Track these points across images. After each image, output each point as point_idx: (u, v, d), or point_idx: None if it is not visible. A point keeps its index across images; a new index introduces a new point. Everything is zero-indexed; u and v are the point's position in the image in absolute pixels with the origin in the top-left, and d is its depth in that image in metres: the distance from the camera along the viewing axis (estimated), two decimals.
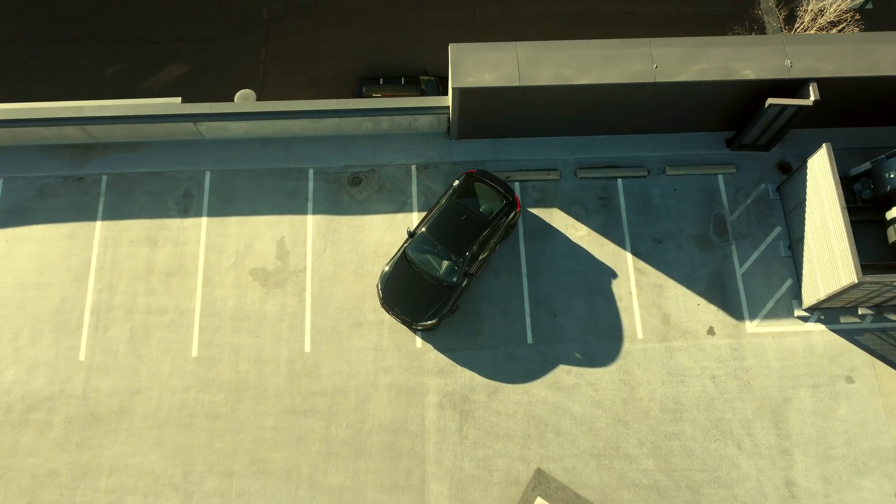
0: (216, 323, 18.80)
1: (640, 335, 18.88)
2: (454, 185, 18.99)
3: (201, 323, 18.79)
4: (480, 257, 18.48)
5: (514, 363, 18.54)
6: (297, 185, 20.22)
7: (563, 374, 18.48)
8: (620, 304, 19.16)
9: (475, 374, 18.41)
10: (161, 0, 26.72)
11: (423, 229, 18.52)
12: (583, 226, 19.96)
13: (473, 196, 18.78)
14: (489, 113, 19.46)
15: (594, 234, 19.88)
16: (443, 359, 18.54)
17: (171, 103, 19.69)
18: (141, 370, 18.34)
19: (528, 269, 19.49)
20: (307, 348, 18.60)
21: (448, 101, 19.80)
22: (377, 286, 18.50)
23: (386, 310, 18.47)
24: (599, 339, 18.80)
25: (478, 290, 19.24)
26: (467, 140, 20.73)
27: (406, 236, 19.09)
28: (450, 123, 20.27)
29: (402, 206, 20.04)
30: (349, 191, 20.24)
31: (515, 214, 19.04)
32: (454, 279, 18.18)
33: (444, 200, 18.78)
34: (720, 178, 20.54)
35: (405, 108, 19.73)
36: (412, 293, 18.21)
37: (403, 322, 18.32)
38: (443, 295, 18.12)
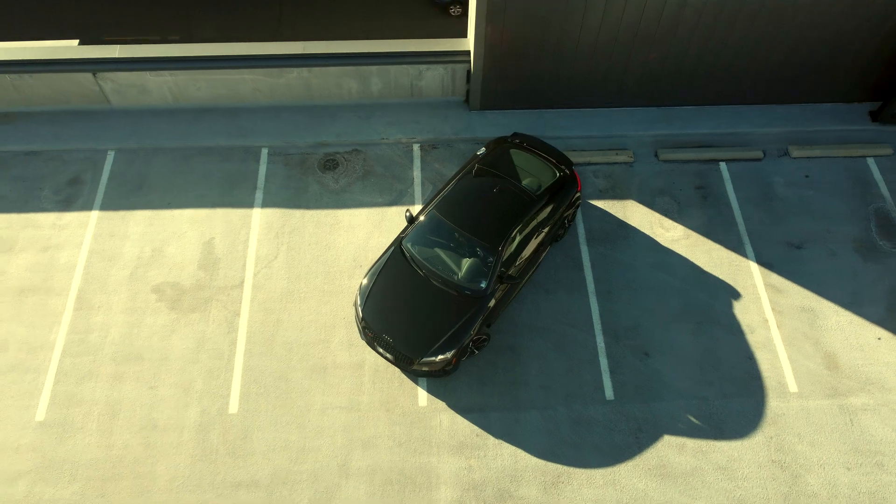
0: (86, 366, 11.32)
1: (792, 387, 11.29)
2: (479, 153, 12.29)
3: (61, 366, 11.31)
4: (524, 255, 11.36)
5: (587, 433, 10.83)
6: (243, 169, 13.50)
7: (673, 451, 10.70)
8: (752, 339, 11.73)
9: (519, 452, 10.65)
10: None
11: (432, 208, 11.55)
12: (676, 224, 12.97)
13: (510, 167, 11.99)
14: (529, 55, 13.12)
15: (694, 236, 12.84)
16: (464, 425, 10.88)
17: (63, 46, 13.44)
18: None
19: (598, 284, 12.27)
20: (233, 408, 10.99)
21: (468, 42, 13.55)
22: (355, 304, 11.23)
23: (369, 341, 11.08)
24: (726, 394, 11.20)
25: (518, 313, 11.91)
26: (496, 111, 14.27)
27: (405, 225, 12.11)
28: (469, 85, 13.90)
29: (399, 198, 13.19)
30: (319, 177, 13.47)
31: (576, 197, 12.15)
32: (482, 285, 10.94)
33: (464, 173, 11.99)
34: (871, 161, 13.81)
35: (404, 54, 13.44)
36: (411, 311, 10.89)
37: (397, 361, 10.86)
38: (462, 312, 10.79)
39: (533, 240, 11.48)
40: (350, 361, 11.42)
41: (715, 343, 11.68)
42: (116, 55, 13.16)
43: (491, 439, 10.74)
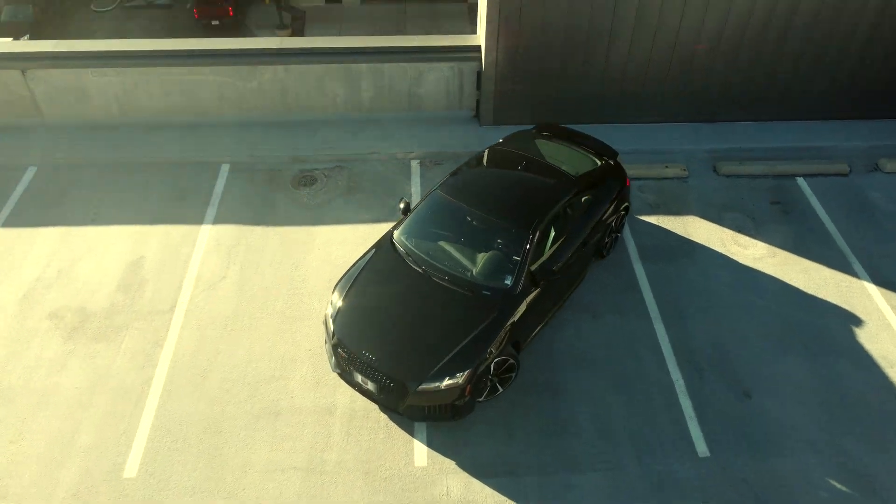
0: None
1: None
2: (496, 144, 9.53)
3: None
4: (562, 258, 8.14)
5: (678, 503, 6.98)
6: (196, 184, 10.67)
7: None
8: (894, 373, 8.18)
9: None
10: None
11: (436, 189, 8.55)
12: (755, 241, 9.88)
13: (537, 153, 9.18)
14: (553, 58, 10.81)
15: (782, 254, 9.69)
16: (484, 494, 7.04)
17: None
18: None
19: (662, 306, 8.93)
20: (131, 470, 7.22)
21: (479, 36, 11.31)
22: (325, 320, 7.84)
23: (343, 367, 7.54)
24: (876, 446, 7.46)
25: (557, 343, 8.46)
26: (513, 127, 11.69)
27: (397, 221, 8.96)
28: (480, 92, 11.47)
29: (391, 214, 10.22)
30: (292, 193, 10.60)
31: (623, 193, 9.19)
32: (507, 281, 7.64)
33: (475, 158, 9.15)
34: None
35: (401, 50, 11.14)
36: (405, 319, 7.50)
37: (383, 393, 7.26)
38: (479, 318, 7.38)
39: (573, 239, 8.34)
40: (315, 405, 7.80)
41: (841, 379, 8.11)
42: (50, 49, 10.87)
43: None
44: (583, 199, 8.57)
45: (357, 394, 7.78)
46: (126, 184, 10.63)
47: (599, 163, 9.17)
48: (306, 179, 10.82)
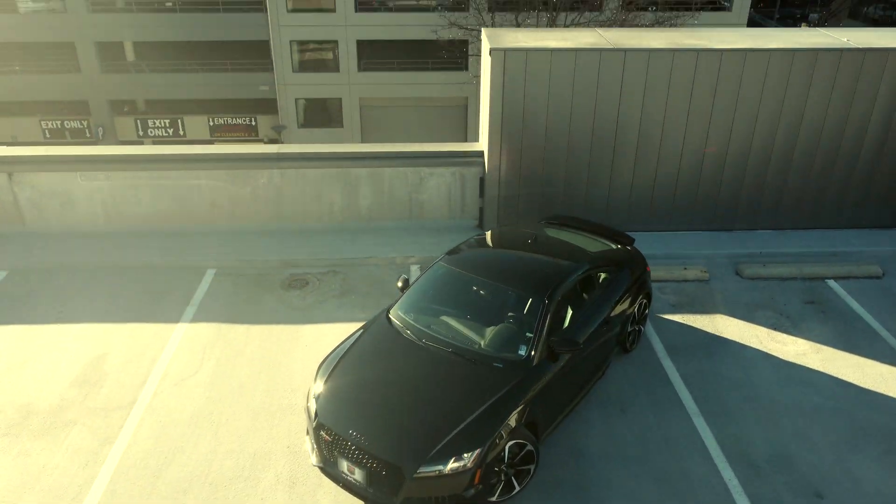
0: None
1: None
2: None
3: None
4: (587, 329, 7.15)
5: None
6: (176, 286, 9.82)
7: None
8: None
9: None
10: None
11: (438, 261, 7.71)
12: (795, 338, 8.85)
13: (546, 238, 8.50)
14: (556, 167, 10.53)
15: (828, 350, 8.62)
16: None
17: None
18: None
19: (701, 403, 7.70)
20: None
21: (481, 143, 11.10)
22: (307, 406, 6.63)
23: (325, 454, 6.21)
24: None
25: (583, 438, 7.13)
26: None
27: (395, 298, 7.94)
28: (483, 199, 11.06)
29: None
30: (280, 294, 9.73)
31: (644, 278, 8.36)
32: (521, 352, 6.55)
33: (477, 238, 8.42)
34: None
35: (402, 155, 10.87)
36: (401, 396, 6.32)
37: (374, 483, 5.89)
38: (489, 391, 6.20)
39: (592, 316, 7.37)
40: None
41: None
42: (41, 154, 10.59)
43: None
44: (601, 279, 7.73)
45: (343, 492, 6.35)
46: (100, 286, 9.79)
47: (616, 247, 8.45)
48: (297, 282, 10.00)
